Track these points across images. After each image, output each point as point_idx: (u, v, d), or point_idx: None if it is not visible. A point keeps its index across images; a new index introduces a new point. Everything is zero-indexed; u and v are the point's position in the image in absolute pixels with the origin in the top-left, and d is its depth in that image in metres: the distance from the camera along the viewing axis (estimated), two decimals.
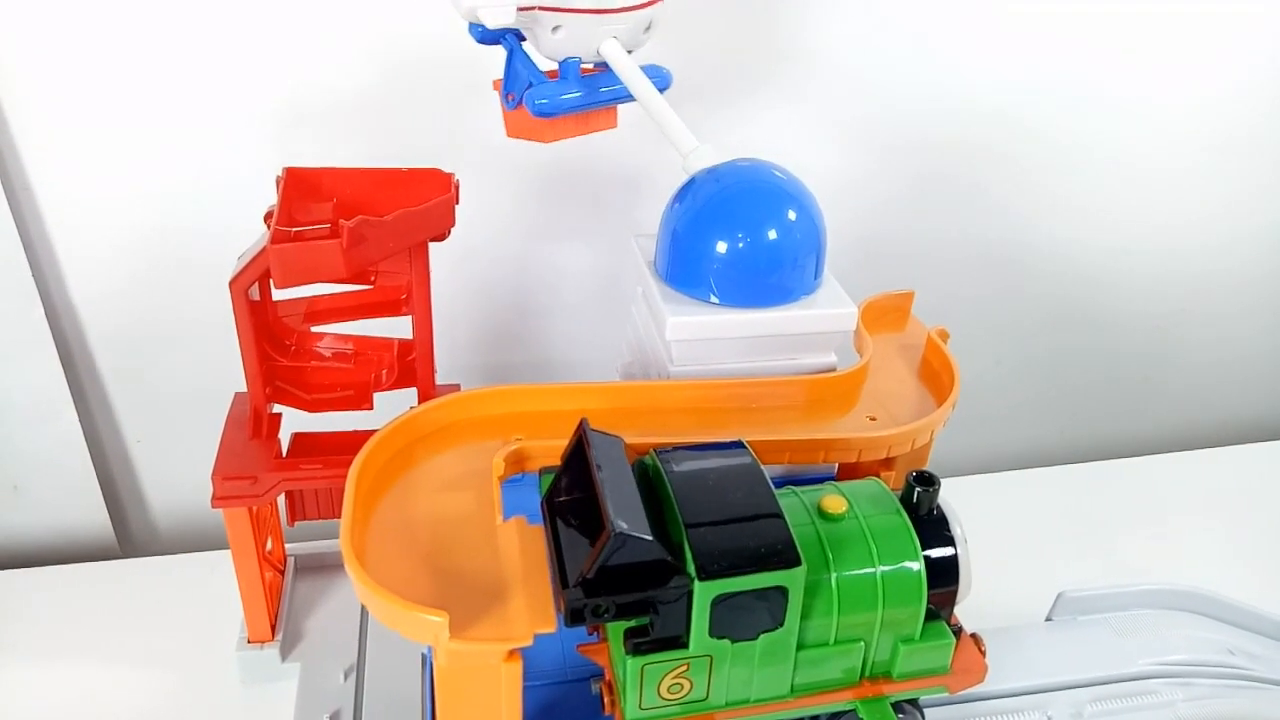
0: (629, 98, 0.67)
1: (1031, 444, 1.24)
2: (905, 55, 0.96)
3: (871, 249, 1.04)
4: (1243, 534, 1.00)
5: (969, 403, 1.15)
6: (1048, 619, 0.68)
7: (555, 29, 0.65)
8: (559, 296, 1.02)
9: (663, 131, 0.66)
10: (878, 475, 0.61)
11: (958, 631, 0.52)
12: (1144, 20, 0.99)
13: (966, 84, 0.99)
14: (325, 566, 0.86)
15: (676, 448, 0.51)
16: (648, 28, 0.66)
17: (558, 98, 0.66)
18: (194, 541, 1.02)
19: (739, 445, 0.51)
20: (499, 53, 0.67)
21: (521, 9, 0.63)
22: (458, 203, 0.68)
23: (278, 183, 0.67)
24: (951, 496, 0.55)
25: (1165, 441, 1.24)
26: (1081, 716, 0.60)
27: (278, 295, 0.71)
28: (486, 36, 0.66)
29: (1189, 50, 1.02)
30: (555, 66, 0.67)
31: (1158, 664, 0.63)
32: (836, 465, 0.62)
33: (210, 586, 0.85)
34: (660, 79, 0.68)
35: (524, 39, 0.67)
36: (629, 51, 0.66)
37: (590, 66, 0.67)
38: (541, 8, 0.64)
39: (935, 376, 0.68)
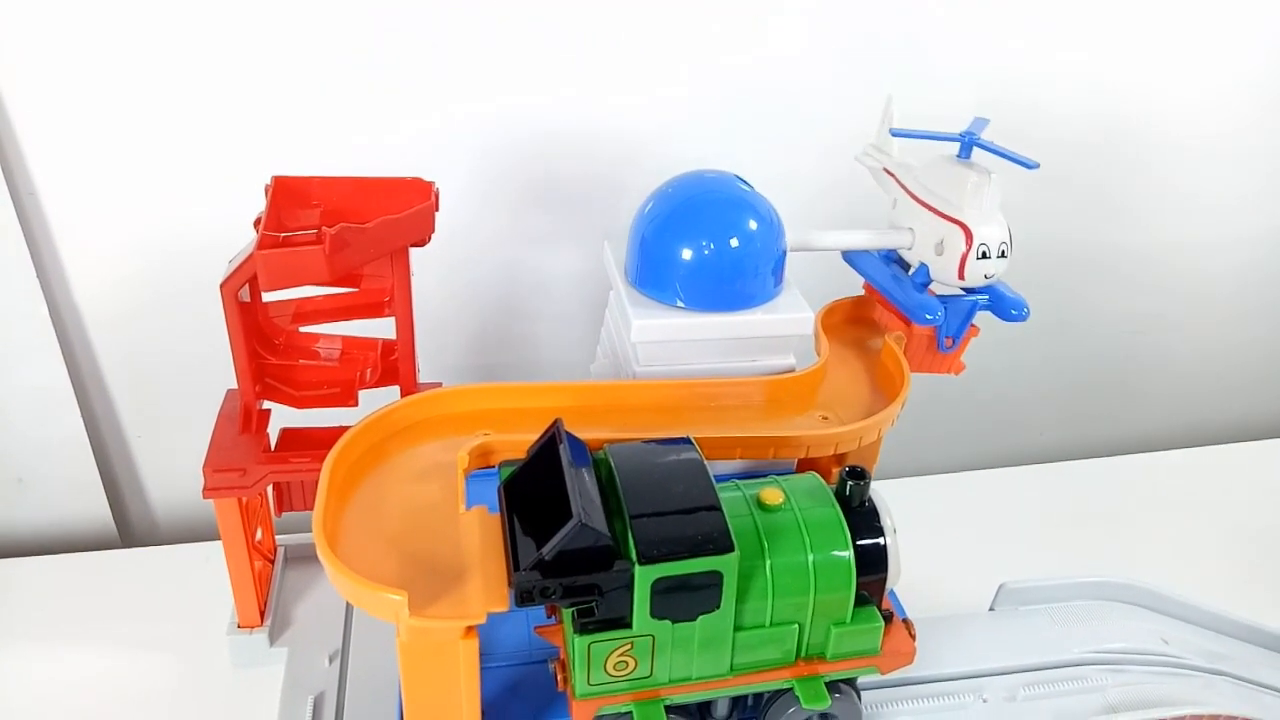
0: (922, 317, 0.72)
1: (1014, 445, 1.26)
2: (885, 52, 0.97)
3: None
4: (1214, 532, 1.02)
5: (952, 404, 1.18)
6: (991, 609, 0.71)
7: (895, 203, 0.75)
8: (548, 299, 1.03)
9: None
10: (830, 470, 0.65)
11: (888, 616, 0.55)
12: (1141, 24, 1.01)
13: (950, 83, 0.99)
14: (313, 557, 0.85)
15: (628, 443, 0.55)
16: (937, 244, 0.70)
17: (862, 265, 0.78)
18: (191, 532, 1.04)
19: (686, 441, 0.55)
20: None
21: (884, 170, 0.77)
22: (438, 210, 0.70)
23: (266, 191, 0.69)
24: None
25: (1141, 443, 1.26)
26: (1015, 699, 0.63)
27: (267, 297, 0.74)
28: None
29: (1178, 54, 1.03)
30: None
31: (1092, 651, 0.66)
32: (795, 460, 0.66)
33: (205, 575, 0.86)
34: (923, 310, 0.72)
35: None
36: (926, 273, 0.72)
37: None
38: (889, 173, 0.77)
39: (889, 378, 0.70)
